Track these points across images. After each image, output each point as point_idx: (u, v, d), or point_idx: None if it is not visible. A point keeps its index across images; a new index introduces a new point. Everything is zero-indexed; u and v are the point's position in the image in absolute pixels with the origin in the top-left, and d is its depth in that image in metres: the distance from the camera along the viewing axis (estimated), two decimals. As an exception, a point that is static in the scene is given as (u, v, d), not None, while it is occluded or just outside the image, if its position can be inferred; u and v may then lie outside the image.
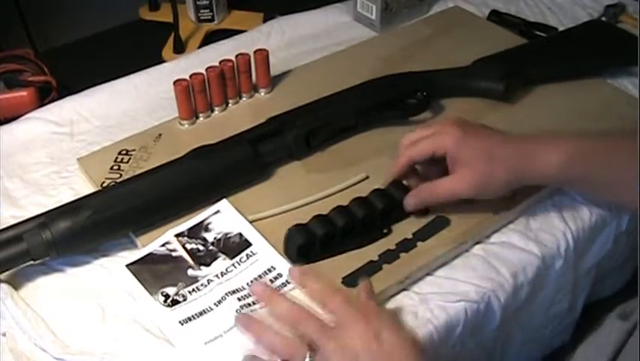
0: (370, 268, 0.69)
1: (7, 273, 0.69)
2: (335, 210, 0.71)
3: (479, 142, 0.69)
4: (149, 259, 0.71)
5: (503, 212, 0.74)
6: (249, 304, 0.66)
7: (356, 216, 0.71)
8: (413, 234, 0.72)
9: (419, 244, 0.71)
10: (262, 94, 0.92)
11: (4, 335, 0.66)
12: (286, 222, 0.73)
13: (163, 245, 0.72)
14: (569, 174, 0.68)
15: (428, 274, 0.70)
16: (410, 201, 0.72)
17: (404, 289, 0.69)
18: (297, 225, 0.70)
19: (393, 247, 0.71)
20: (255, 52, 0.89)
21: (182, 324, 0.65)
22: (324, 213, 0.71)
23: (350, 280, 0.68)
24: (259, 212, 0.75)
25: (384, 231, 0.72)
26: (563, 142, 0.68)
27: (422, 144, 0.71)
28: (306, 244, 0.69)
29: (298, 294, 0.67)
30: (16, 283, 0.70)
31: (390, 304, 0.68)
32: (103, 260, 0.72)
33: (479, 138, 0.69)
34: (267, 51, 0.90)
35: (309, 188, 0.77)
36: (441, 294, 0.68)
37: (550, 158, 0.67)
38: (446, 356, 0.69)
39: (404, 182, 0.74)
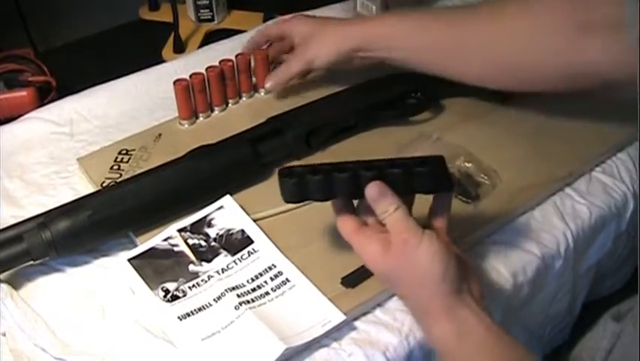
0: (369, 270, 0.68)
1: (7, 273, 0.69)
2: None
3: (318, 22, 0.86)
4: (151, 253, 0.71)
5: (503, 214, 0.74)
6: (248, 301, 0.66)
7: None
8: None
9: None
10: (262, 94, 0.92)
11: (4, 335, 0.66)
12: (286, 222, 0.73)
13: (165, 240, 0.72)
14: (392, 47, 0.80)
15: (428, 274, 0.70)
16: (269, 84, 0.87)
17: (404, 289, 0.69)
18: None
19: (393, 247, 0.70)
20: (255, 52, 0.89)
21: (181, 320, 0.66)
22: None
23: (349, 281, 0.68)
24: (259, 212, 0.75)
25: None
26: (387, 20, 0.82)
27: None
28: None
29: (298, 293, 0.67)
30: (16, 283, 0.70)
31: (391, 305, 0.68)
32: (103, 260, 0.72)
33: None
34: (267, 51, 0.90)
35: (309, 188, 0.77)
36: (441, 294, 0.68)
37: (379, 42, 0.80)
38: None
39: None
